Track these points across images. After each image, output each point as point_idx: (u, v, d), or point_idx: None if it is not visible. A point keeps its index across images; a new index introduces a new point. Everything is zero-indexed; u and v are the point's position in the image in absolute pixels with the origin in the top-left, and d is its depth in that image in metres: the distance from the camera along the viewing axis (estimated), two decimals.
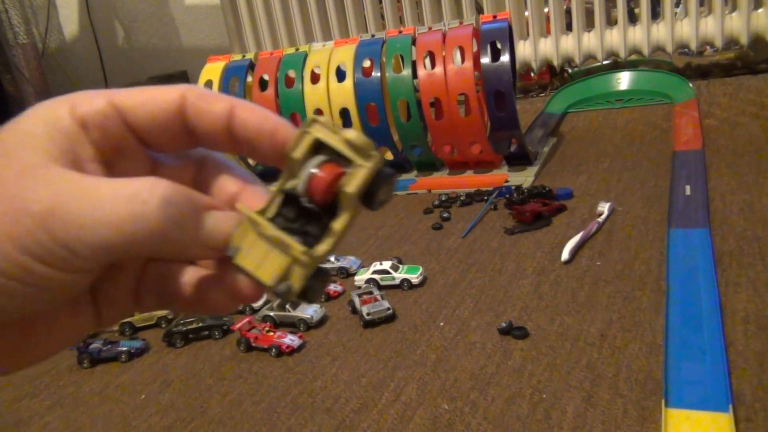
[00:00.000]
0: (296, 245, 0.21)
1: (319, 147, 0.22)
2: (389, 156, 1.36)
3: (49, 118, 0.22)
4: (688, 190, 0.99)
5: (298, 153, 0.22)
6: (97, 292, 0.24)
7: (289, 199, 0.22)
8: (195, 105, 0.23)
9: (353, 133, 0.22)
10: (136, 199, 0.19)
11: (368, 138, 0.22)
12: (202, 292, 0.24)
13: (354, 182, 0.22)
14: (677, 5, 2.00)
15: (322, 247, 0.22)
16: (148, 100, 0.23)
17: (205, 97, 0.23)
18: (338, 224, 0.22)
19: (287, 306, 0.79)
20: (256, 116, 0.23)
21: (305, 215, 0.22)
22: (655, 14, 1.80)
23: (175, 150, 0.25)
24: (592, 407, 0.54)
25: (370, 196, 0.22)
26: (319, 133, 0.22)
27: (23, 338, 0.22)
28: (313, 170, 0.22)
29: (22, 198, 0.19)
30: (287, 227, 0.22)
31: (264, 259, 0.22)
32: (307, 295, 0.22)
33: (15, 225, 0.19)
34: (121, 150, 0.23)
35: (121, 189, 0.20)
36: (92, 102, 0.22)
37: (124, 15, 2.61)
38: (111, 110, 0.22)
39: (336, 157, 0.22)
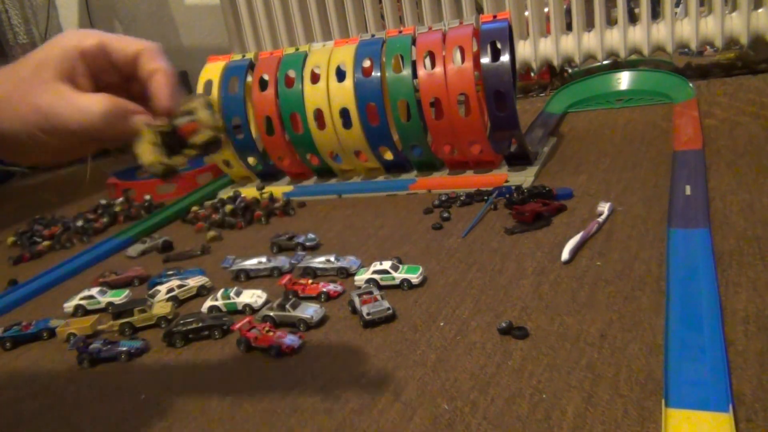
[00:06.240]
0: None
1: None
2: (389, 156, 1.36)
3: (65, 45, 0.46)
4: (688, 190, 0.99)
5: (182, 108, 0.49)
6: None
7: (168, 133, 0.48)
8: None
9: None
10: (90, 109, 0.45)
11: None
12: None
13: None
14: (677, 5, 2.00)
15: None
16: (121, 47, 0.49)
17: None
18: (186, 152, 0.49)
19: (287, 306, 0.79)
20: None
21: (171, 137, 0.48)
22: (655, 14, 1.80)
23: (130, 74, 0.50)
24: (592, 407, 0.54)
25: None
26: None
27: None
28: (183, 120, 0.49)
29: (38, 101, 0.45)
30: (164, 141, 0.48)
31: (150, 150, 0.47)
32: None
33: (31, 114, 0.45)
34: (101, 70, 0.48)
35: (84, 102, 0.45)
36: (90, 39, 0.47)
37: (124, 15, 2.61)
38: (100, 49, 0.47)
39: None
